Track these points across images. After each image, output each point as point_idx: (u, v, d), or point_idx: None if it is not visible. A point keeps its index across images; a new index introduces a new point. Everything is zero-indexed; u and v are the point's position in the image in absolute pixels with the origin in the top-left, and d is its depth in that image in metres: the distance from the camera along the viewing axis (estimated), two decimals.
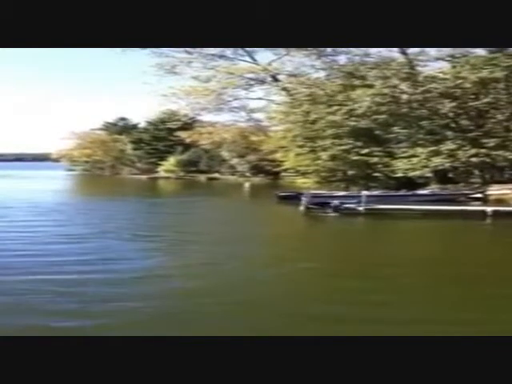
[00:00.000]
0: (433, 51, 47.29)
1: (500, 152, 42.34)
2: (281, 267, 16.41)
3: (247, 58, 60.67)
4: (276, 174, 74.94)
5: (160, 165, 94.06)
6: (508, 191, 40.77)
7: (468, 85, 43.55)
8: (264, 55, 61.17)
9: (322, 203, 31.99)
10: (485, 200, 38.48)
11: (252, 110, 71.28)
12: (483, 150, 42.69)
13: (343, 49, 50.82)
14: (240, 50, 59.15)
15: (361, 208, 30.65)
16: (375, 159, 48.21)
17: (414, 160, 45.13)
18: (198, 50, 58.80)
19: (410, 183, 46.69)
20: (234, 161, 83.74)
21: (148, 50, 58.16)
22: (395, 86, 46.43)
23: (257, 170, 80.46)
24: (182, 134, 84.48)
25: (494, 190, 41.29)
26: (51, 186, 62.32)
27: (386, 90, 45.65)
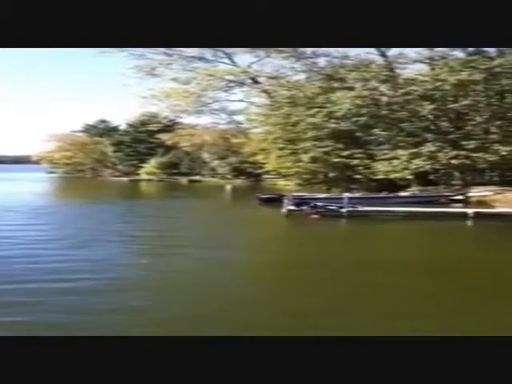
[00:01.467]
0: (412, 53, 47.58)
1: (480, 154, 42.53)
2: (260, 270, 16.45)
3: (227, 60, 60.80)
4: (257, 176, 75.16)
5: (141, 167, 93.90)
6: (489, 193, 40.99)
7: (447, 87, 43.75)
8: (244, 57, 61.26)
9: (303, 205, 31.97)
10: (466, 202, 38.56)
11: (232, 112, 71.61)
12: (463, 152, 42.90)
13: (322, 51, 51.11)
14: (220, 52, 59.23)
15: (343, 210, 30.62)
16: (356, 161, 48.27)
17: (395, 162, 45.29)
18: (177, 51, 58.88)
19: (391, 185, 46.86)
20: (215, 163, 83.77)
21: (126, 52, 58.20)
22: (375, 89, 46.61)
23: (238, 172, 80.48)
24: (163, 136, 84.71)
25: (475, 192, 41.46)
26: (31, 188, 61.80)
27: (365, 93, 45.81)
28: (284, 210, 31.55)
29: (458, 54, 46.74)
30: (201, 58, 60.45)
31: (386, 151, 47.20)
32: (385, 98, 46.81)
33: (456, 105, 44.78)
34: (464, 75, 42.89)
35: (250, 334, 9.28)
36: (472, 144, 43.11)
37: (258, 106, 64.92)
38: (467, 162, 43.30)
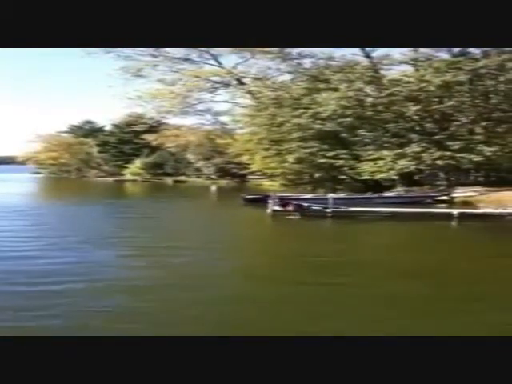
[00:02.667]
0: (397, 55, 47.76)
1: (465, 155, 42.69)
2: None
3: (212, 62, 60.91)
4: (242, 177, 75.27)
5: (126, 167, 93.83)
6: (473, 193, 41.17)
7: (432, 88, 43.89)
8: (229, 59, 61.40)
9: (288, 205, 31.96)
10: (450, 202, 38.72)
11: (218, 113, 71.84)
12: (448, 153, 43.05)
13: (308, 52, 51.29)
14: (205, 54, 59.33)
15: (327, 210, 30.66)
16: (341, 162, 48.43)
17: (380, 163, 45.45)
18: (163, 53, 58.93)
19: (376, 186, 47.01)
20: (200, 163, 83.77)
21: (112, 53, 58.26)
22: (360, 90, 46.71)
23: (223, 172, 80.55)
24: (148, 137, 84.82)
25: (460, 193, 41.64)
26: (17, 189, 61.67)
27: (350, 94, 45.92)
28: (269, 211, 31.56)
29: (443, 55, 47.05)
30: (186, 60, 60.53)
31: (371, 152, 47.31)
32: (370, 99, 46.98)
33: (441, 106, 44.95)
34: (449, 76, 43.10)
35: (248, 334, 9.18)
36: (457, 145, 43.29)
37: (243, 106, 65.07)
38: (452, 162, 43.46)
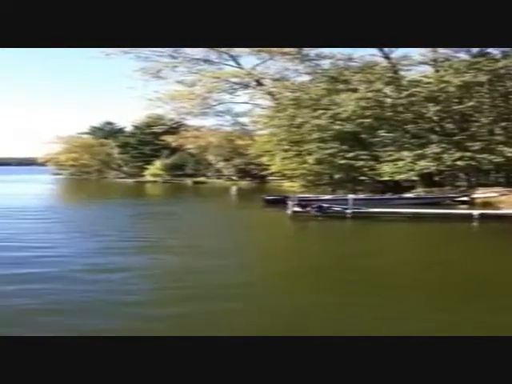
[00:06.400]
0: (416, 55, 47.77)
1: (485, 155, 42.55)
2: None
3: (231, 63, 61.02)
4: (262, 178, 75.20)
5: (146, 169, 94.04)
6: (494, 194, 40.98)
7: (452, 89, 43.84)
8: (248, 60, 61.56)
9: (308, 206, 31.95)
10: (471, 203, 38.56)
11: (237, 114, 72.01)
12: (468, 154, 42.90)
13: (327, 53, 51.38)
14: (224, 55, 59.47)
15: (347, 211, 30.63)
16: (361, 163, 48.32)
17: (400, 163, 45.32)
18: (182, 54, 59.11)
19: (396, 187, 46.94)
20: (220, 164, 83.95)
21: (132, 54, 58.56)
22: (379, 90, 46.67)
23: (243, 173, 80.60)
24: (168, 138, 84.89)
25: (480, 194, 41.47)
26: (35, 190, 61.93)
27: (370, 94, 45.94)
28: (289, 212, 31.56)
29: (463, 55, 46.96)
30: (206, 61, 60.69)
31: (390, 153, 47.22)
32: (389, 100, 46.93)
33: (461, 106, 44.88)
34: (468, 77, 43.05)
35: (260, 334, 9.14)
36: (477, 145, 43.17)
37: (262, 107, 65.23)
38: (472, 163, 43.33)
